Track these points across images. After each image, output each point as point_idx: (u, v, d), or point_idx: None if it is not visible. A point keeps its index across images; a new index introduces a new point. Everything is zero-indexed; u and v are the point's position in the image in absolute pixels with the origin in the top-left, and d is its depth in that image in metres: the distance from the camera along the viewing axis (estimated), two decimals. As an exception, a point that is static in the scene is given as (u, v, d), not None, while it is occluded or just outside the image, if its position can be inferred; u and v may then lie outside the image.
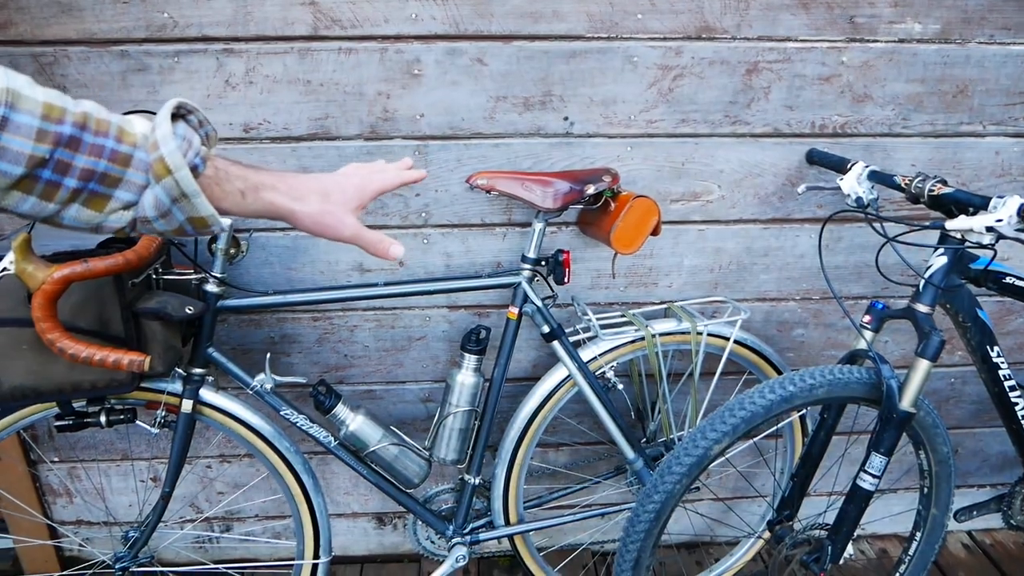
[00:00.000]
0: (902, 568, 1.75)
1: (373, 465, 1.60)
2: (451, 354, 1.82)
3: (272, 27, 1.48)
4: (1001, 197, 1.23)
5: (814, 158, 1.65)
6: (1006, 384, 1.59)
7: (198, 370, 1.46)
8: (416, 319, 1.77)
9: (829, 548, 1.53)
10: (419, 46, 1.51)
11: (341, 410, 1.55)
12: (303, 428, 1.53)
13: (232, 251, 1.42)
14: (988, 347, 1.55)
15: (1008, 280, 1.53)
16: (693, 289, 1.80)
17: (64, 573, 1.93)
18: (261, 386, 1.49)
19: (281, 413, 1.52)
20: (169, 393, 1.45)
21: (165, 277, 1.41)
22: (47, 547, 1.92)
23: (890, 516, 2.17)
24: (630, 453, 1.69)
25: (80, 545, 1.96)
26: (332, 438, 1.56)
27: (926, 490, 1.67)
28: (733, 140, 1.65)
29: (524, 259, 1.55)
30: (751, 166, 1.68)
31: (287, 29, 1.49)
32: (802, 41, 1.56)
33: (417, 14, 1.49)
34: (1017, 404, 1.61)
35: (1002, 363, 1.57)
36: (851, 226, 1.76)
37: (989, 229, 1.23)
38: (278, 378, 1.50)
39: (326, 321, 1.75)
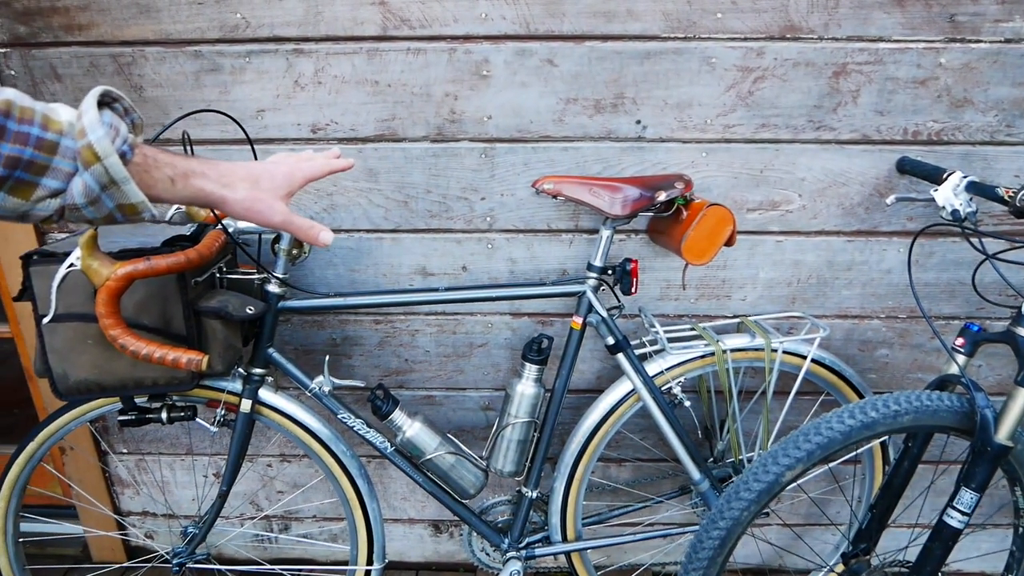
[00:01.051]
0: (992, 613, 1.61)
1: (429, 473, 1.57)
2: (512, 362, 1.77)
3: (342, 27, 1.47)
4: (1122, 213, 1.11)
5: (905, 167, 1.54)
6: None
7: (258, 370, 1.45)
8: (478, 325, 1.74)
9: (911, 588, 1.42)
10: (488, 46, 1.48)
11: (398, 416, 1.53)
12: (360, 432, 1.51)
13: (295, 252, 1.41)
14: (1098, 377, 1.40)
15: (1126, 305, 1.39)
16: (769, 303, 1.71)
17: (128, 563, 1.97)
18: (319, 388, 1.48)
19: (338, 416, 1.50)
20: (229, 392, 1.46)
21: (229, 276, 1.41)
22: (114, 537, 1.97)
23: (978, 555, 2.01)
24: (696, 473, 1.61)
25: (146, 537, 2.00)
26: (388, 444, 1.54)
27: (1021, 530, 1.53)
28: (817, 147, 1.55)
29: (590, 267, 1.50)
30: (836, 175, 1.58)
31: (356, 29, 1.48)
32: (896, 41, 1.46)
33: (487, 14, 1.45)
34: None
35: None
36: (944, 241, 1.63)
37: (1108, 248, 1.11)
38: (337, 381, 1.49)
39: (388, 325, 1.73)
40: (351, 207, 1.62)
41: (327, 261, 1.66)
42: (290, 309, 1.44)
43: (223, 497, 1.50)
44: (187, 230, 1.39)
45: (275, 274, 1.41)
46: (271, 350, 1.46)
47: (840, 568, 1.60)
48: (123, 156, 0.69)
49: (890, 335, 1.75)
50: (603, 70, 1.49)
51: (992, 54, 1.47)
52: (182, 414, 1.43)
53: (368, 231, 1.64)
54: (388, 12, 1.45)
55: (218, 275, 1.39)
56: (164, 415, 1.41)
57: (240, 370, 1.46)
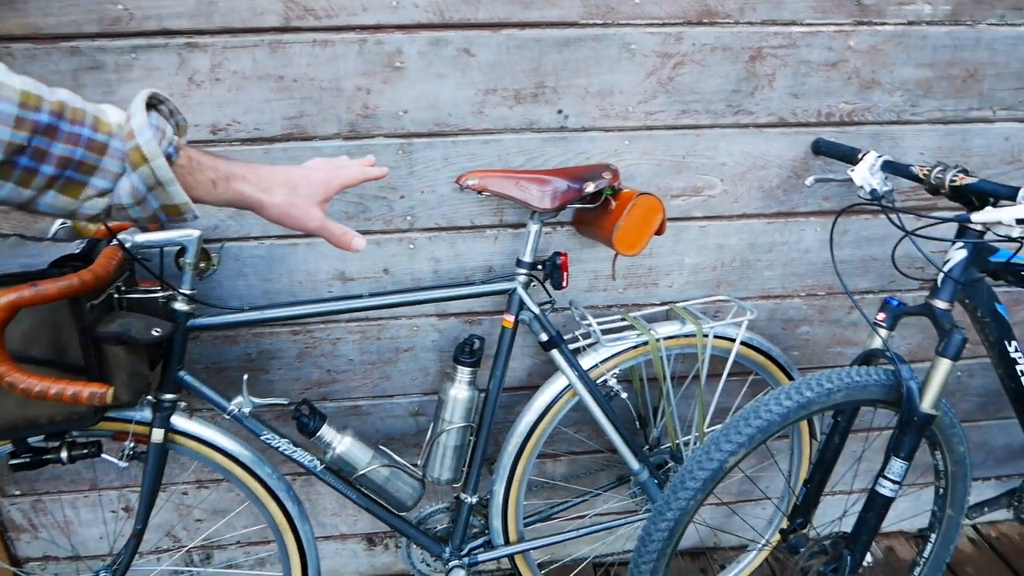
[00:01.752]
0: (917, 570, 1.68)
1: (363, 488, 1.49)
2: (442, 365, 1.71)
3: (239, 18, 1.35)
4: (1031, 187, 1.16)
5: (821, 148, 1.57)
6: (1023, 379, 1.52)
7: (169, 396, 1.33)
8: (403, 329, 1.66)
9: (848, 558, 1.46)
10: (401, 36, 1.40)
11: (327, 432, 1.44)
12: (286, 453, 1.42)
13: (202, 264, 1.30)
14: (1006, 342, 1.48)
15: (1029, 273, 1.46)
16: (695, 289, 1.71)
17: (30, 613, 1.80)
18: (239, 410, 1.37)
19: (262, 438, 1.40)
20: (137, 423, 1.33)
21: (129, 296, 1.28)
22: (11, 585, 1.79)
23: (895, 513, 2.11)
24: (635, 464, 1.60)
25: (47, 580, 1.83)
26: (318, 462, 1.45)
27: (942, 491, 1.60)
28: (736, 131, 1.56)
29: (519, 263, 1.45)
30: (755, 158, 1.59)
31: (256, 20, 1.36)
32: (808, 25, 1.48)
33: (398, 2, 1.37)
34: (1034, 400, 1.55)
35: (1019, 358, 1.50)
36: (857, 219, 1.68)
37: (1020, 222, 1.15)
38: (257, 400, 1.38)
39: (307, 335, 1.63)
40: (260, 212, 1.50)
41: (237, 271, 1.54)
42: (201, 327, 1.33)
43: (138, 536, 1.37)
44: (75, 247, 1.25)
45: (182, 290, 1.29)
46: (182, 373, 1.34)
47: (775, 540, 1.63)
48: (168, 158, 0.70)
49: (810, 312, 1.79)
50: (522, 59, 1.44)
51: (897, 36, 1.51)
52: (85, 451, 1.29)
53: (280, 237, 1.53)
54: (291, 1, 1.35)
55: (117, 296, 1.26)
56: (64, 455, 1.27)
57: (149, 397, 1.34)
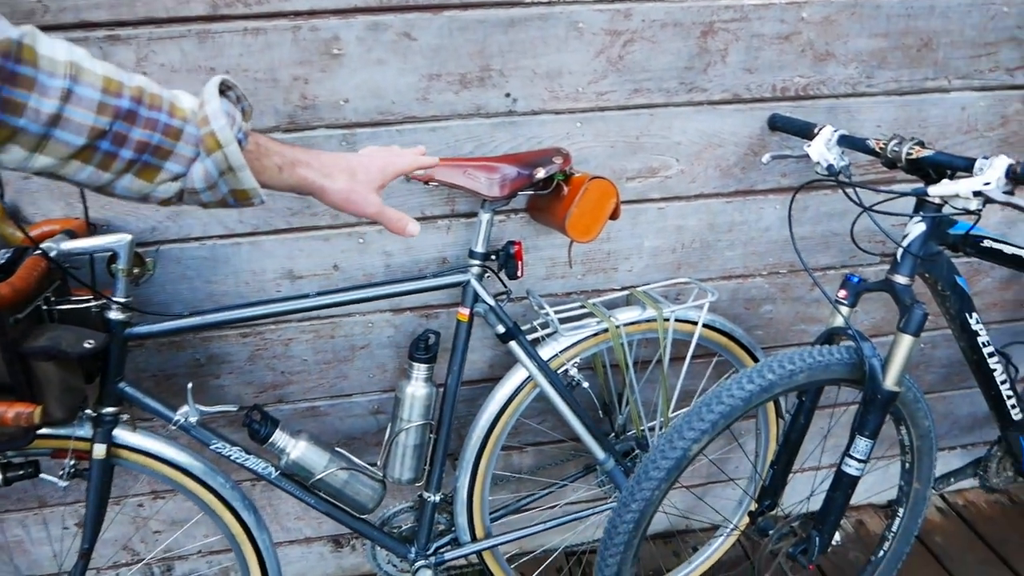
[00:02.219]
0: (886, 545, 1.68)
1: (321, 493, 1.45)
2: (399, 361, 1.66)
3: (163, 7, 1.28)
4: (986, 158, 1.14)
5: (777, 124, 1.53)
6: (985, 351, 1.51)
7: (109, 409, 1.27)
8: (358, 326, 1.61)
9: (817, 539, 1.45)
10: (337, 22, 1.33)
11: (280, 437, 1.39)
12: (238, 461, 1.36)
13: (136, 271, 1.23)
14: (967, 314, 1.47)
15: (987, 244, 1.45)
16: (655, 272, 1.68)
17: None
18: (185, 420, 1.31)
19: (211, 447, 1.35)
20: (77, 439, 1.26)
21: (60, 308, 1.21)
22: (-39, 608, 1.72)
23: (864, 487, 2.11)
24: (600, 453, 1.57)
25: (0, 601, 1.76)
26: (272, 468, 1.40)
27: (908, 465, 1.60)
28: (690, 109, 1.52)
29: (472, 254, 1.40)
30: (710, 136, 1.55)
31: (181, 9, 1.29)
32: (759, -3, 1.44)
33: (332, -15, 1.30)
34: (995, 370, 1.55)
35: (980, 330, 1.49)
36: (816, 194, 1.66)
37: (977, 194, 1.13)
38: (204, 408, 1.33)
39: (257, 337, 1.57)
40: (200, 211, 1.44)
41: (179, 274, 1.48)
42: (139, 336, 1.26)
43: (86, 556, 1.31)
44: (0, 258, 1.18)
45: (115, 299, 1.22)
46: (123, 384, 1.27)
47: (745, 523, 1.62)
48: (239, 144, 0.72)
49: (773, 291, 1.77)
50: (466, 41, 1.38)
51: (850, 6, 1.47)
52: (21, 473, 1.23)
53: (222, 237, 1.47)
54: (217, -12, 1.28)
55: (46, 307, 1.19)
56: (-1, 476, 1.21)
57: (88, 412, 1.27)
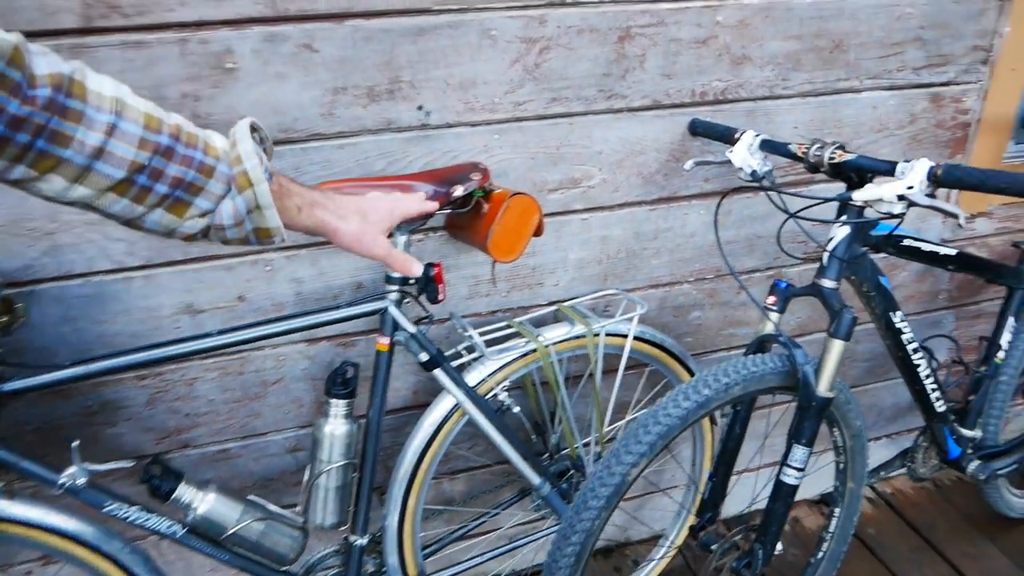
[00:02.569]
0: (824, 546, 1.68)
1: (236, 548, 1.32)
2: (316, 393, 1.55)
3: (26, 19, 1.14)
4: (908, 161, 1.12)
5: (697, 129, 1.50)
6: (909, 348, 1.52)
7: (-19, 477, 1.12)
8: (268, 360, 1.49)
9: (760, 552, 1.42)
10: (229, 33, 1.22)
11: (185, 491, 1.26)
12: (138, 523, 1.23)
13: (5, 319, 1.09)
14: (891, 313, 1.47)
15: (907, 243, 1.46)
16: (582, 284, 1.62)
17: None
18: (72, 482, 1.17)
19: (105, 510, 1.21)
20: (-61, 516, 1.10)
21: (-88, 365, 1.05)
22: None
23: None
24: (535, 479, 1.50)
25: None
26: (179, 526, 1.27)
27: (842, 465, 1.59)
28: (610, 116, 1.47)
29: (389, 279, 1.31)
30: (632, 143, 1.51)
31: (49, 21, 1.15)
32: (675, 0, 1.40)
33: (220, -7, 1.19)
34: (919, 366, 1.56)
35: (904, 327, 1.50)
36: (739, 198, 1.64)
37: (900, 197, 1.11)
38: (94, 467, 1.19)
39: (156, 378, 1.43)
40: (82, 245, 1.29)
41: (62, 316, 1.33)
42: (13, 392, 1.11)
43: (-39, 644, 1.15)
44: None
45: (-19, 352, 1.07)
46: (-5, 447, 1.12)
47: (682, 539, 1.58)
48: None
49: (700, 297, 1.74)
50: (372, 52, 1.29)
51: (764, 9, 1.45)
52: None
53: (110, 272, 1.32)
54: (87, -3, 1.14)
55: None
56: None
57: (-47, 482, 1.12)
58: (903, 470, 1.89)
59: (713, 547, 1.47)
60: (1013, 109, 1.74)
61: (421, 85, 1.34)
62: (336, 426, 1.34)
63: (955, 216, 1.03)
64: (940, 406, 1.63)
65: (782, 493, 1.37)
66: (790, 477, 1.36)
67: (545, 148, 1.46)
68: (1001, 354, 1.71)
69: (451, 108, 1.37)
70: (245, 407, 1.52)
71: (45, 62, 0.61)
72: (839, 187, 1.26)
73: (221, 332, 1.22)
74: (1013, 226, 1.93)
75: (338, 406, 1.34)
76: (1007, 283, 1.66)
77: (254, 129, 0.78)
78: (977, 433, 1.76)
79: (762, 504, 1.44)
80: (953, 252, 1.52)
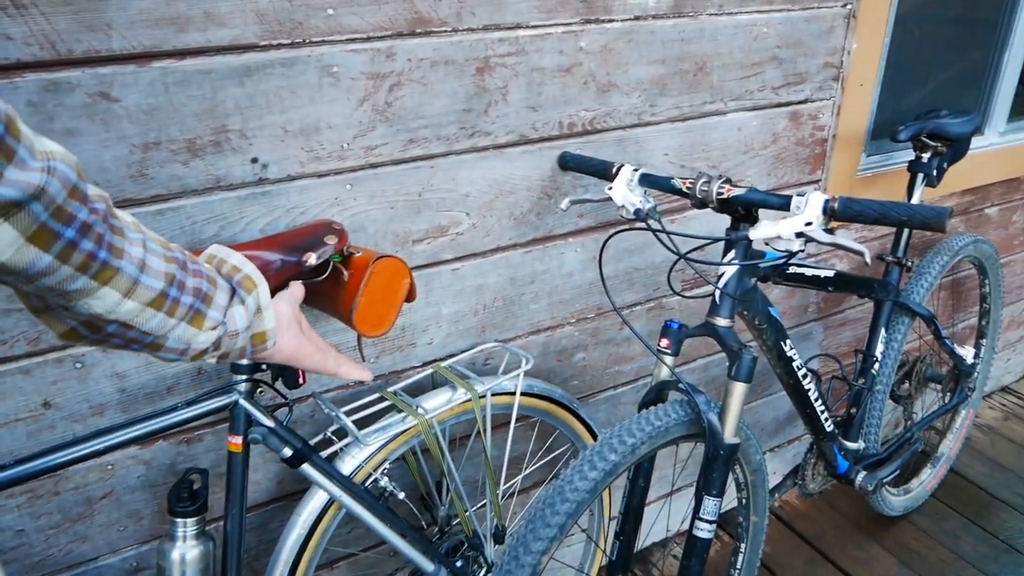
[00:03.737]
0: (732, 584, 1.62)
1: None
2: (159, 502, 1.30)
3: None
4: (801, 195, 1.06)
5: (568, 163, 1.39)
6: (799, 374, 1.49)
7: None
8: (92, 473, 1.22)
9: (678, 612, 1.32)
10: (-4, 84, 0.97)
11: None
12: None
13: None
14: (782, 343, 1.42)
15: (792, 270, 1.42)
16: (458, 339, 1.47)
17: None
18: None
19: None
20: None
21: None
22: None
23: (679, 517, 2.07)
24: (429, 566, 1.33)
25: None
26: None
27: (744, 500, 1.54)
28: (474, 156, 1.33)
29: (236, 367, 1.09)
30: (500, 183, 1.37)
31: None
32: (535, 27, 1.28)
33: (-24, 35, 0.94)
34: (809, 390, 1.53)
35: (794, 355, 1.46)
36: (610, 233, 1.54)
37: (799, 234, 1.05)
38: None
39: (-64, 520, 1.13)
40: None
41: None
42: None
43: None
44: None
45: None
46: None
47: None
48: None
49: (583, 338, 1.63)
50: (190, 98, 1.07)
51: (626, 33, 1.37)
52: None
53: None
54: None
55: None
56: None
57: None
58: (795, 488, 1.88)
59: (628, 614, 1.36)
60: (864, 123, 1.77)
61: (254, 134, 1.14)
62: (188, 550, 1.10)
63: (860, 254, 0.97)
64: (829, 425, 1.62)
65: (697, 548, 1.28)
66: (704, 531, 1.27)
67: (406, 195, 1.29)
68: (876, 365, 1.73)
69: (292, 158, 1.18)
70: (67, 532, 1.24)
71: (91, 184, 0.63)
72: (713, 216, 1.18)
73: (19, 461, 0.96)
74: (869, 235, 1.98)
75: (187, 526, 1.11)
76: (877, 296, 1.68)
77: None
78: (860, 444, 1.78)
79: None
80: (832, 274, 1.50)
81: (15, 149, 0.51)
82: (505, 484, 1.48)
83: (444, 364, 1.42)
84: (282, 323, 0.82)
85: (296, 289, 0.91)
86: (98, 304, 0.62)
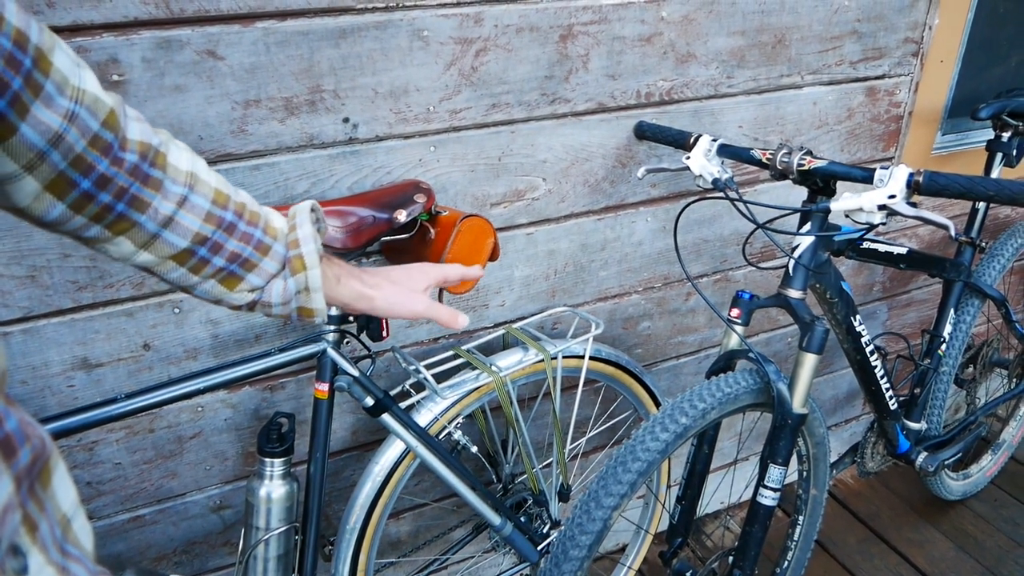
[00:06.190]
0: (789, 555, 1.64)
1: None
2: (242, 444, 1.37)
3: None
4: (885, 168, 1.06)
5: (645, 133, 1.41)
6: (867, 350, 1.49)
7: None
8: (184, 414, 1.30)
9: (737, 576, 1.35)
10: (113, 40, 1.02)
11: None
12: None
13: None
14: (852, 318, 1.43)
15: (865, 245, 1.42)
16: (529, 303, 1.51)
17: None
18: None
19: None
20: None
21: None
22: None
23: (741, 486, 2.09)
24: (496, 519, 1.38)
25: None
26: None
27: (805, 473, 1.55)
28: (554, 122, 1.35)
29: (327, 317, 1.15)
30: (577, 150, 1.40)
31: None
32: (619, -5, 1.29)
33: (99, -7, 0.99)
34: (876, 367, 1.53)
35: (863, 331, 1.46)
36: (683, 202, 1.56)
37: (881, 207, 1.05)
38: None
39: (47, 449, 1.21)
40: (-57, 300, 1.07)
41: (-80, 387, 1.09)
42: None
43: None
44: None
45: None
46: None
47: (641, 560, 1.50)
48: None
49: (649, 307, 1.66)
50: (288, 58, 1.12)
51: (707, 3, 1.37)
52: None
53: (-19, 329, 1.11)
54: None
55: None
56: None
57: None
58: (853, 467, 1.88)
59: (688, 575, 1.40)
60: (942, 101, 1.74)
61: (346, 95, 1.18)
62: (275, 488, 1.17)
63: (945, 227, 0.97)
64: (893, 404, 1.62)
65: (760, 515, 1.30)
66: (767, 498, 1.29)
67: (486, 159, 1.33)
68: (943, 346, 1.71)
69: (381, 119, 1.22)
70: (159, 468, 1.32)
71: (138, 128, 0.62)
72: (783, 190, 1.19)
73: (131, 396, 1.03)
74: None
75: (274, 466, 1.17)
76: (948, 276, 1.66)
77: (313, 209, 0.78)
78: (923, 425, 1.77)
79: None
80: (905, 251, 1.49)
81: (43, 84, 0.52)
82: (571, 444, 1.52)
83: (515, 326, 1.46)
84: (374, 283, 0.81)
85: (409, 267, 0.89)
86: (115, 250, 0.64)
